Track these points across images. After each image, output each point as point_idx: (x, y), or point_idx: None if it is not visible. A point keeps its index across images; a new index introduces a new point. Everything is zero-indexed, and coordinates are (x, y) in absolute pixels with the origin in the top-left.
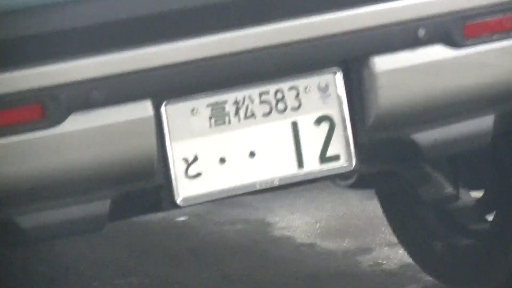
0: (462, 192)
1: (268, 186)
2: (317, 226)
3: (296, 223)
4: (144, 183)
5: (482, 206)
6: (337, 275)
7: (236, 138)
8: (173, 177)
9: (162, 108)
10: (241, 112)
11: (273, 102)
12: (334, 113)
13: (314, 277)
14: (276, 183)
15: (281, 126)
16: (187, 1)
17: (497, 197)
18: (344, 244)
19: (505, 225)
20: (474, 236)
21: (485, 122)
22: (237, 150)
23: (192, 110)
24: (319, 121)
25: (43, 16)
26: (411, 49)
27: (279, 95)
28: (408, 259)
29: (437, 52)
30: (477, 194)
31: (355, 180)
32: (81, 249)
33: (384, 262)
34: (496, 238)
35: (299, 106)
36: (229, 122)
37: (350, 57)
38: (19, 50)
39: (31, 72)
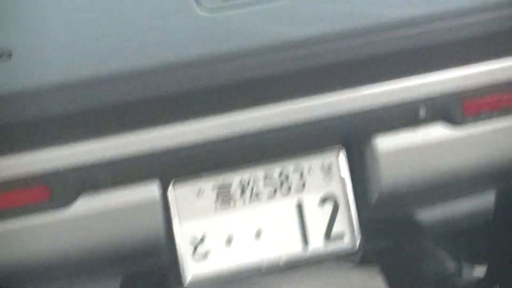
0: (465, 267)
1: (275, 266)
2: None
3: None
4: (152, 263)
5: (485, 281)
6: None
7: (242, 219)
8: (180, 257)
9: (170, 189)
10: (247, 194)
11: (278, 183)
12: (337, 193)
13: None
14: (282, 263)
15: (286, 206)
16: (191, 84)
17: (499, 273)
18: None
19: None
20: None
21: (486, 199)
22: (243, 231)
23: (199, 192)
24: (323, 201)
25: (49, 100)
26: (412, 128)
27: (283, 176)
28: None
29: (438, 131)
30: (481, 268)
31: (360, 257)
32: None
33: None
34: None
35: (303, 186)
36: (235, 203)
37: (352, 137)
38: (26, 134)
39: (39, 155)
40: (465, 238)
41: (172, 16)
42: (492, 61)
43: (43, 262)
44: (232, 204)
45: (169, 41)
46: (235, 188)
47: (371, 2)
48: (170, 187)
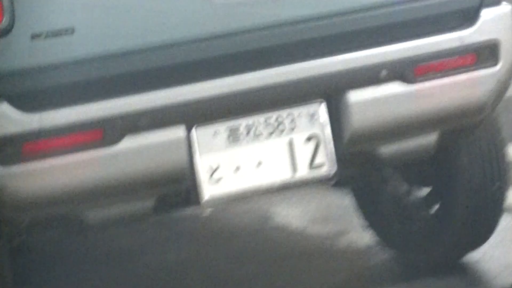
0: (415, 188)
1: (271, 189)
2: (308, 215)
3: (292, 212)
4: (179, 186)
5: (429, 199)
6: (323, 252)
7: (247, 152)
8: (199, 182)
9: (193, 131)
10: (251, 133)
11: (275, 125)
12: (320, 133)
13: (305, 254)
14: (276, 186)
15: (281, 142)
16: (208, 53)
17: (440, 193)
18: (328, 229)
19: (445, 213)
20: (423, 219)
21: (431, 138)
22: (248, 161)
23: (215, 132)
24: (309, 138)
25: (101, 66)
26: (376, 85)
27: (279, 120)
28: (375, 238)
29: (395, 88)
30: (426, 189)
31: (336, 181)
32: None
33: (358, 240)
34: (439, 222)
35: (294, 127)
36: (242, 140)
37: (331, 92)
38: (86, 89)
39: (95, 105)
40: (415, 167)
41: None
42: (434, 36)
43: (96, 187)
44: (239, 142)
45: (191, 21)
46: (242, 130)
47: None
48: (193, 130)
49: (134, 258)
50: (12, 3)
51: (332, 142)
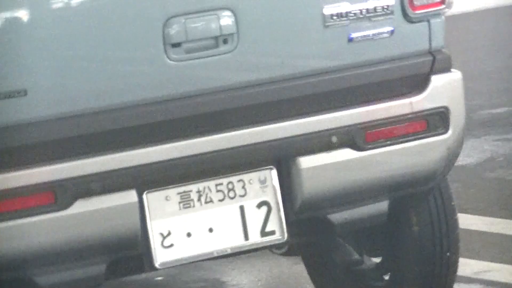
0: (366, 258)
1: (223, 254)
2: (259, 284)
3: (243, 281)
4: (131, 251)
5: (381, 268)
6: None
7: (199, 218)
8: (152, 247)
9: (144, 196)
10: (202, 199)
11: (226, 191)
12: (270, 199)
13: None
14: (229, 251)
15: (232, 209)
16: (159, 116)
17: (391, 262)
18: None
19: (396, 283)
20: None
21: (382, 205)
22: (199, 227)
23: (166, 197)
24: (259, 205)
25: (55, 127)
26: (326, 151)
27: (230, 186)
28: None
29: (346, 154)
30: (377, 259)
31: (287, 249)
32: None
33: None
34: None
35: (245, 194)
36: (194, 206)
37: (281, 158)
38: (39, 152)
39: (48, 168)
40: (366, 235)
41: (146, 63)
42: (385, 102)
43: (46, 250)
44: (191, 206)
45: (144, 82)
46: (193, 195)
47: (297, 55)
48: (144, 194)
49: None
50: None
51: (282, 209)
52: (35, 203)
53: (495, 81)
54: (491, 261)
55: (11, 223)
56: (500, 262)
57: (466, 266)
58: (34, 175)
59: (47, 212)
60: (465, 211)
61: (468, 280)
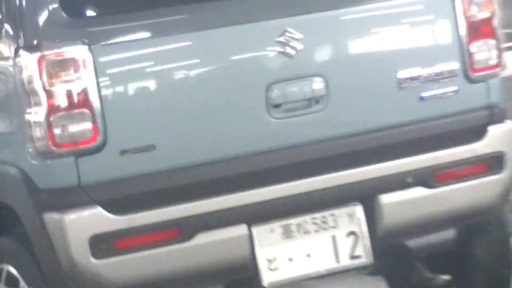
0: (437, 276)
1: (318, 275)
2: None
3: None
4: (243, 274)
5: (450, 285)
6: None
7: (298, 246)
8: (260, 270)
9: (253, 229)
10: (301, 230)
11: (320, 223)
12: (357, 230)
13: None
14: (324, 272)
15: (325, 238)
16: (266, 162)
17: (459, 279)
18: None
19: None
20: None
21: (450, 233)
22: (299, 253)
23: (271, 229)
24: (348, 234)
25: (178, 174)
26: (403, 190)
27: (324, 219)
28: None
29: (419, 192)
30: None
31: (371, 270)
32: None
33: None
34: None
35: (336, 225)
36: (294, 236)
37: (366, 196)
38: (166, 195)
39: (173, 208)
40: (438, 258)
41: (253, 121)
42: (451, 148)
43: (175, 275)
44: (291, 237)
45: (252, 137)
46: (293, 228)
47: (376, 112)
48: (253, 228)
49: None
50: (105, 125)
51: (368, 237)
52: (165, 237)
53: None
54: None
55: (148, 252)
56: None
57: None
58: (163, 213)
59: (174, 243)
60: None
61: None
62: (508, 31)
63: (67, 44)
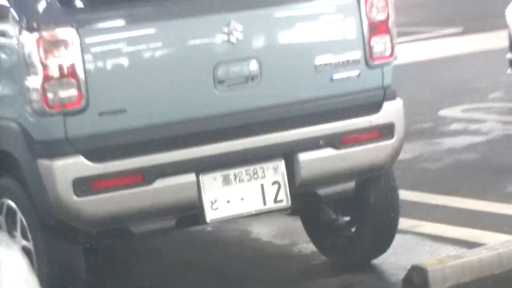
0: (340, 216)
1: (249, 214)
2: (272, 233)
3: (261, 231)
4: (191, 211)
5: (349, 223)
6: (282, 256)
7: (235, 191)
8: (205, 209)
9: (200, 177)
10: (237, 179)
11: (252, 174)
12: (280, 180)
13: (271, 256)
14: (253, 212)
15: (256, 185)
16: (212, 124)
17: (356, 220)
18: (285, 241)
19: (359, 233)
20: (346, 237)
21: (351, 184)
22: (235, 197)
23: (214, 178)
24: (273, 183)
25: (143, 131)
26: (316, 150)
27: (254, 171)
28: (315, 248)
29: (329, 151)
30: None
31: (290, 211)
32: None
33: (304, 249)
34: (356, 238)
35: (264, 176)
36: (231, 183)
37: (287, 154)
38: (133, 148)
39: (138, 159)
40: (341, 203)
41: (202, 93)
42: (354, 119)
43: (139, 211)
44: (230, 183)
45: (200, 105)
46: (231, 176)
47: (299, 89)
48: (200, 176)
49: (160, 255)
50: (87, 92)
51: (288, 186)
52: (131, 181)
53: (423, 105)
54: (420, 219)
55: (115, 193)
56: (425, 221)
57: (403, 223)
58: (130, 163)
59: (139, 186)
60: (402, 188)
61: (405, 232)
62: (400, 29)
63: (59, 27)
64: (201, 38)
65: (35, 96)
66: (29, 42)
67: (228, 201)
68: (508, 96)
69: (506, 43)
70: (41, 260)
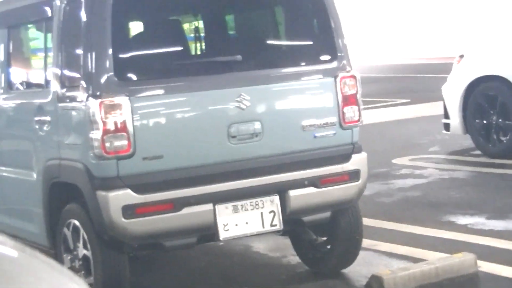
0: (318, 237)
1: (251, 234)
2: (267, 247)
3: (259, 245)
4: (209, 232)
5: (325, 242)
6: (273, 264)
7: (241, 217)
8: (219, 230)
9: (216, 206)
10: (243, 208)
11: (254, 205)
12: (275, 210)
13: (266, 265)
14: (255, 233)
15: (257, 213)
16: (225, 168)
17: (330, 240)
18: (277, 254)
19: (332, 250)
20: (322, 252)
21: (327, 214)
22: (242, 222)
23: (226, 207)
24: (270, 212)
25: (177, 172)
26: (302, 188)
27: (256, 203)
28: (299, 260)
29: (311, 189)
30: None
31: (282, 233)
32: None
33: (291, 261)
34: (329, 253)
35: (263, 206)
36: (239, 211)
37: (281, 191)
38: (168, 184)
39: (170, 192)
40: (319, 227)
41: (219, 145)
42: (330, 166)
43: (168, 232)
44: (238, 212)
45: (217, 154)
46: (239, 207)
47: (291, 143)
48: (216, 206)
49: (182, 262)
50: (135, 142)
51: (281, 214)
52: (165, 208)
53: (380, 156)
54: (377, 240)
55: (155, 217)
56: (382, 241)
57: (365, 242)
58: (166, 195)
59: (170, 212)
60: (365, 216)
61: (366, 249)
62: (363, 99)
63: (116, 95)
64: (219, 105)
65: (96, 144)
66: (94, 105)
67: (236, 224)
68: (443, 149)
69: (441, 111)
70: (97, 265)
